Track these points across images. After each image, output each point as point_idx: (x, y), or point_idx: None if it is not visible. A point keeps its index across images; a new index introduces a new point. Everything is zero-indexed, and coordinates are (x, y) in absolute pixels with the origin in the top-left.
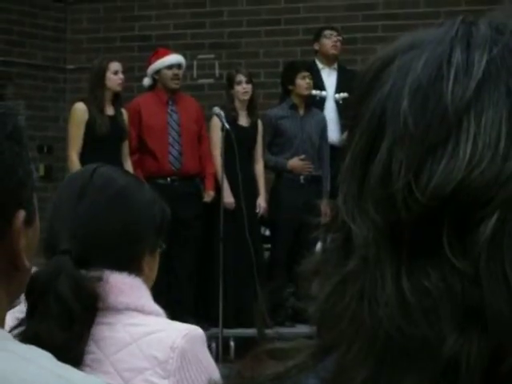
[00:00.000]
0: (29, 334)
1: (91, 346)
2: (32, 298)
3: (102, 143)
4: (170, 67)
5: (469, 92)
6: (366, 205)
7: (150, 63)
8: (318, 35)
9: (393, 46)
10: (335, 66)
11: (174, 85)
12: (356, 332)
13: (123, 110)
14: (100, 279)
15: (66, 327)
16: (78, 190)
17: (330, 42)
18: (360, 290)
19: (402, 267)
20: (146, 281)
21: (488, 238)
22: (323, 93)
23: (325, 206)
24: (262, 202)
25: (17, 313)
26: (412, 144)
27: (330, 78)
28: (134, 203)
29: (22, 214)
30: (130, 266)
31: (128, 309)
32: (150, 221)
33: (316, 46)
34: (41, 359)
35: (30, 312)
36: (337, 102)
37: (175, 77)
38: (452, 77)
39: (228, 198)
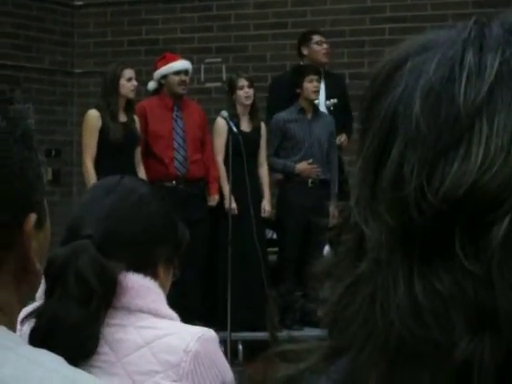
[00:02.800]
0: (48, 313)
1: (104, 347)
2: (51, 277)
3: (115, 149)
4: (177, 73)
5: (481, 95)
6: (379, 207)
7: (156, 67)
8: (305, 39)
9: (404, 47)
10: (322, 71)
11: (180, 90)
12: (368, 335)
13: (135, 117)
14: (120, 270)
15: (84, 305)
16: (106, 187)
17: (321, 49)
18: (372, 293)
19: (415, 270)
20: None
21: (500, 241)
22: (315, 100)
23: (333, 208)
24: (266, 206)
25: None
26: (424, 147)
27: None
28: (157, 209)
29: (32, 218)
30: (146, 268)
31: (141, 311)
32: (170, 229)
33: (304, 51)
34: (53, 363)
35: (49, 291)
36: (328, 108)
37: (182, 83)
38: (464, 79)
39: (232, 203)
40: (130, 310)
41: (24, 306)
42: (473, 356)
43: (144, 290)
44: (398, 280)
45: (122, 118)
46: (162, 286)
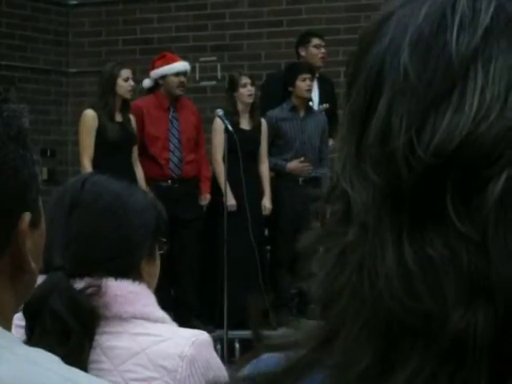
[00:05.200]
0: None
1: (99, 356)
2: (29, 316)
3: (113, 149)
4: (176, 74)
5: (476, 40)
6: (365, 166)
7: (154, 66)
8: (304, 41)
9: (393, 1)
10: (316, 75)
11: (179, 92)
12: (357, 309)
13: (131, 116)
14: (100, 288)
15: (64, 342)
16: (68, 203)
17: (318, 52)
18: (360, 261)
19: (404, 234)
20: (147, 286)
21: (496, 200)
22: (310, 103)
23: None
24: (267, 203)
25: (16, 320)
26: (413, 97)
27: (313, 88)
28: (127, 212)
29: (27, 217)
30: (129, 273)
31: (134, 317)
32: (144, 226)
33: (302, 52)
34: (48, 362)
35: (30, 329)
36: (320, 112)
37: (181, 84)
38: (457, 24)
39: (230, 200)
40: (122, 318)
41: (20, 305)
42: (466, 328)
43: (133, 296)
44: (387, 245)
45: (119, 117)
46: (149, 277)
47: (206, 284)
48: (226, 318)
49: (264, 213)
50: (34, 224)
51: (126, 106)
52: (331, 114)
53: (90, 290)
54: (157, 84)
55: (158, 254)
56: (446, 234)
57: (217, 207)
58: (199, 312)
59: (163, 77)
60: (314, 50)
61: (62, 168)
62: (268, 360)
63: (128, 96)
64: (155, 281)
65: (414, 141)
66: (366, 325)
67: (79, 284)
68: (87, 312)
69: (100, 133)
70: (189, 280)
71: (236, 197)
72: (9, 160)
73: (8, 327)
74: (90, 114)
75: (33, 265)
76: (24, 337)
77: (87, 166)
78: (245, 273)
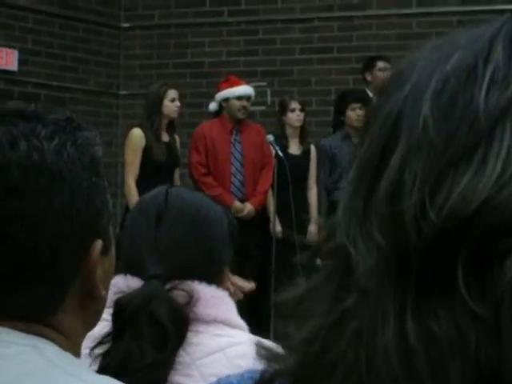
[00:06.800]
0: (119, 351)
1: (178, 350)
2: (122, 321)
3: (157, 169)
4: (239, 98)
5: (506, 96)
6: (371, 225)
7: (219, 89)
8: (369, 65)
9: (423, 47)
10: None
11: (240, 115)
12: None
13: (176, 137)
14: (190, 292)
15: (160, 348)
16: (155, 215)
17: (384, 75)
18: (357, 331)
19: (408, 305)
20: (228, 291)
21: None
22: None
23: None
24: (313, 230)
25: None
26: (430, 152)
27: None
28: (210, 223)
29: (99, 244)
30: (214, 276)
31: (215, 321)
32: (225, 235)
33: (368, 77)
34: None
35: (119, 333)
36: None
37: (243, 108)
38: (488, 78)
39: (276, 226)
40: (205, 321)
41: (88, 332)
42: None
43: (215, 300)
44: (388, 315)
45: (165, 137)
46: (229, 283)
47: (253, 311)
48: None
49: (308, 238)
50: (104, 252)
51: (171, 126)
52: None
53: (180, 294)
54: (221, 107)
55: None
56: (453, 309)
57: (265, 233)
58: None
59: (226, 100)
60: (379, 73)
61: (112, 190)
62: None
63: (174, 116)
64: (229, 285)
65: (427, 202)
66: None
67: (170, 287)
68: (185, 321)
69: (146, 152)
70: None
71: (284, 223)
72: (83, 188)
73: (77, 354)
74: (137, 133)
75: (103, 292)
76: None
77: (132, 185)
78: None
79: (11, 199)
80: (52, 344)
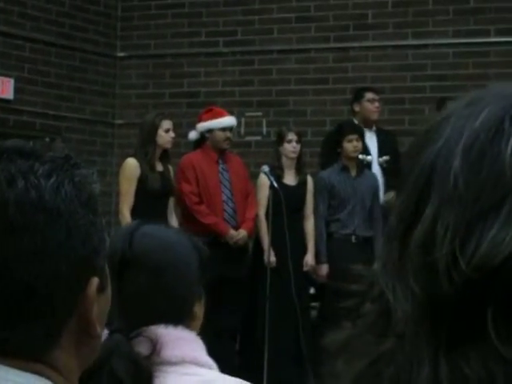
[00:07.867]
0: None
1: None
2: (84, 376)
3: (152, 199)
4: (223, 129)
5: None
6: (407, 273)
7: (201, 119)
8: (358, 96)
9: (453, 103)
10: (374, 128)
11: (225, 146)
12: None
13: (170, 167)
14: (154, 340)
15: None
16: (118, 262)
17: (372, 107)
18: (394, 375)
19: (441, 349)
20: (196, 328)
21: None
22: (368, 157)
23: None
24: (309, 260)
25: None
26: (460, 206)
27: (371, 140)
28: (175, 266)
29: (95, 282)
30: (184, 318)
31: (184, 361)
32: (193, 275)
33: (356, 108)
34: None
35: None
36: (381, 165)
37: (227, 139)
38: None
39: (271, 257)
40: (172, 363)
41: (83, 369)
42: None
43: (181, 342)
44: (423, 360)
45: (159, 167)
46: (198, 320)
47: (247, 340)
48: (266, 376)
49: (304, 269)
50: (101, 289)
51: (166, 156)
52: (393, 165)
53: (144, 340)
54: (202, 137)
55: (203, 294)
56: (483, 352)
57: (258, 263)
58: (237, 368)
59: (210, 130)
60: (367, 105)
61: (106, 219)
62: None
63: (169, 146)
64: (200, 322)
65: (457, 252)
66: None
67: (134, 334)
68: (147, 375)
69: (141, 182)
70: (230, 336)
71: (279, 253)
72: (80, 226)
73: None
74: (132, 163)
75: (99, 330)
76: None
77: (127, 215)
78: (285, 331)
79: (8, 236)
80: (48, 382)
